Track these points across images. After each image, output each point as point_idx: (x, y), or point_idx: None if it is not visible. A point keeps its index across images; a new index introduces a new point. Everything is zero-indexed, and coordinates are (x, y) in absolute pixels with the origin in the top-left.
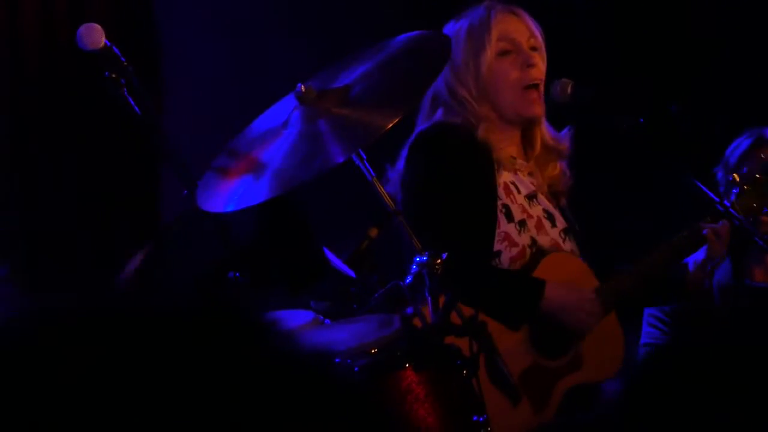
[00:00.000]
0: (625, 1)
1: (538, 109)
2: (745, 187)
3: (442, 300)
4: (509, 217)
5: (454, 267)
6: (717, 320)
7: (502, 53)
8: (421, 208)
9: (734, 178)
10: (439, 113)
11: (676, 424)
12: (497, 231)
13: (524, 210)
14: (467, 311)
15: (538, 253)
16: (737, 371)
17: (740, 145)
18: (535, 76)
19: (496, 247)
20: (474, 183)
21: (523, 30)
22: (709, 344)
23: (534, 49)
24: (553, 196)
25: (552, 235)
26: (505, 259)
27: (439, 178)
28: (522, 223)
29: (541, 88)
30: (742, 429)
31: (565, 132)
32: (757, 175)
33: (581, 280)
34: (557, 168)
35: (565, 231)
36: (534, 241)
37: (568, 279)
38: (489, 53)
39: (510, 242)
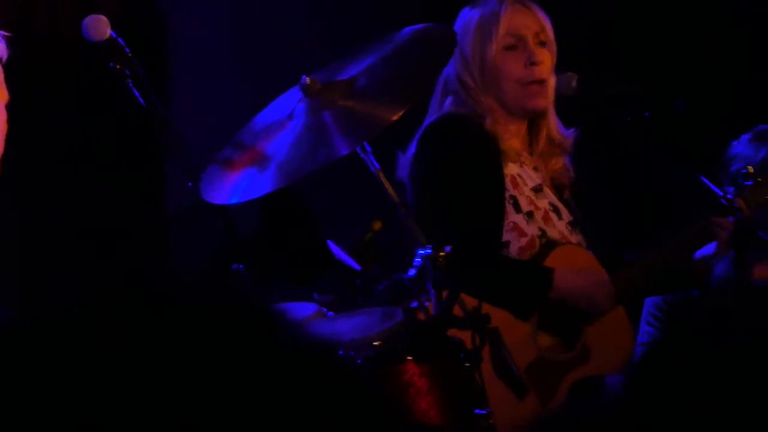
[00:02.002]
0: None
1: (541, 101)
2: (759, 179)
3: (445, 293)
4: (517, 208)
5: (464, 257)
6: (714, 316)
7: (508, 48)
8: (430, 199)
9: (748, 170)
10: (449, 102)
11: (676, 421)
12: (506, 221)
13: (531, 202)
14: (470, 303)
15: (547, 244)
16: (733, 368)
17: (743, 155)
18: (537, 74)
19: (505, 237)
20: (482, 174)
21: (532, 24)
22: (704, 341)
23: (542, 44)
24: (557, 189)
25: (559, 227)
26: (514, 249)
27: (448, 169)
28: (530, 214)
29: (547, 82)
30: (738, 426)
31: (571, 131)
32: None
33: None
34: (560, 162)
35: (572, 224)
36: (543, 232)
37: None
38: (494, 46)
39: (519, 232)
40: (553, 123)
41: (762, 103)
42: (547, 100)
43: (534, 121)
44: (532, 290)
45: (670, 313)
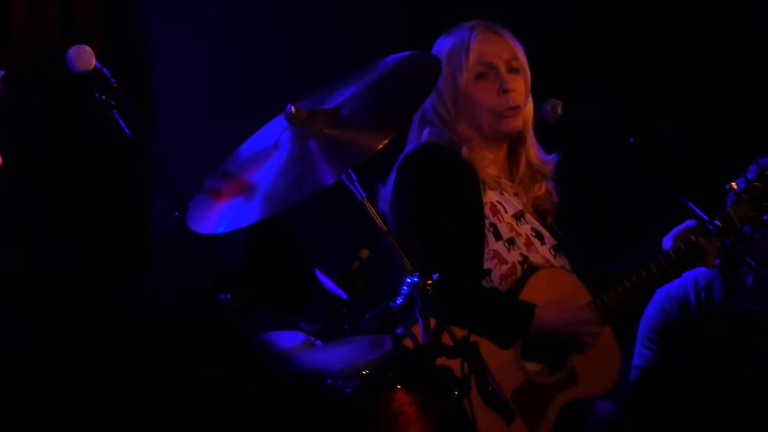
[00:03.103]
0: (616, 21)
1: (516, 123)
2: (743, 195)
3: (432, 321)
4: (497, 235)
5: (444, 288)
6: (707, 341)
7: (479, 76)
8: (409, 229)
9: (731, 186)
10: (426, 132)
11: None
12: (486, 249)
13: (512, 228)
14: (459, 332)
15: (529, 269)
16: (726, 393)
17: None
18: (510, 101)
19: (486, 265)
20: (460, 203)
21: (503, 51)
22: (698, 366)
23: (514, 70)
24: (540, 214)
25: (542, 252)
26: (495, 277)
27: (426, 199)
28: (511, 241)
29: (521, 108)
30: None
31: (553, 157)
32: (756, 183)
33: (573, 295)
34: (542, 188)
35: (555, 248)
36: (525, 258)
37: (560, 294)
38: (466, 76)
39: (500, 260)
40: (532, 148)
41: (759, 121)
42: (521, 122)
43: (513, 147)
44: (512, 326)
45: (666, 336)
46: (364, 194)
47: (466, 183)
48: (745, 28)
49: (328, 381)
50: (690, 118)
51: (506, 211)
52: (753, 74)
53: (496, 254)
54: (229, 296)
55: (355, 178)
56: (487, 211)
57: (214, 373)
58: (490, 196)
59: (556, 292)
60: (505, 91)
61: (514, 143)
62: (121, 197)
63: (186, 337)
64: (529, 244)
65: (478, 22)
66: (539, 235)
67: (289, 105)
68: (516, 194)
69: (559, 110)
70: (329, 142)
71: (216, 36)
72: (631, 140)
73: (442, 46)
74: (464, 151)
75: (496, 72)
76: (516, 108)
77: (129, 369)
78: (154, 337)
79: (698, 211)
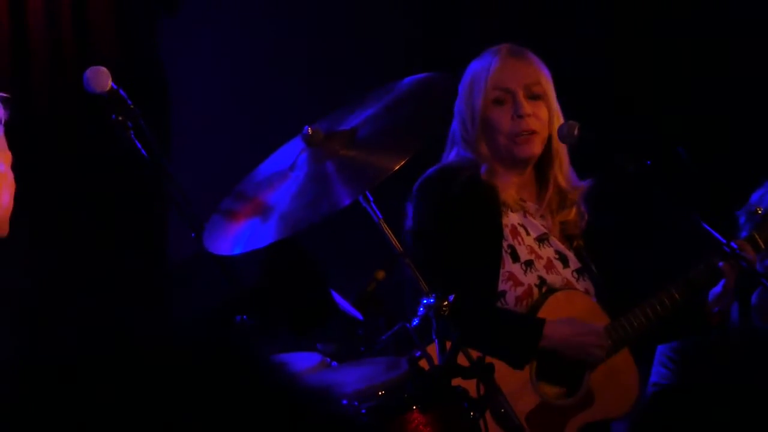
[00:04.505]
0: (634, 42)
1: (530, 149)
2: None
3: (448, 342)
4: (515, 257)
5: (458, 309)
6: (726, 361)
7: (496, 101)
8: (423, 251)
9: (756, 210)
10: (453, 154)
11: None
12: (501, 271)
13: (532, 251)
14: (475, 353)
15: (547, 291)
16: (743, 412)
17: (765, 195)
18: (524, 126)
19: (501, 287)
20: (475, 225)
21: (523, 77)
22: (716, 385)
23: (535, 96)
24: (567, 238)
25: (564, 274)
26: (510, 299)
27: (440, 221)
28: (529, 263)
29: (539, 134)
30: None
31: (586, 182)
32: None
33: (589, 318)
34: (572, 213)
35: (579, 271)
36: (543, 280)
37: (576, 316)
38: (483, 101)
39: (515, 282)
40: (562, 173)
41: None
42: (538, 148)
43: (542, 170)
44: (522, 341)
45: (685, 353)
46: (380, 215)
47: (483, 205)
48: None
49: (344, 402)
50: (705, 141)
51: (528, 234)
52: None
53: (512, 276)
54: (245, 317)
55: (372, 199)
56: (507, 233)
57: (227, 395)
58: (512, 218)
59: (572, 314)
60: (519, 116)
61: (543, 166)
62: (137, 218)
63: (200, 358)
64: (550, 266)
65: (504, 46)
66: (563, 258)
67: (306, 126)
68: (542, 216)
69: (576, 132)
70: (345, 164)
71: (233, 56)
72: (648, 162)
73: (470, 69)
74: (485, 173)
75: (513, 97)
76: (531, 133)
77: (140, 388)
78: (167, 358)
79: (714, 233)
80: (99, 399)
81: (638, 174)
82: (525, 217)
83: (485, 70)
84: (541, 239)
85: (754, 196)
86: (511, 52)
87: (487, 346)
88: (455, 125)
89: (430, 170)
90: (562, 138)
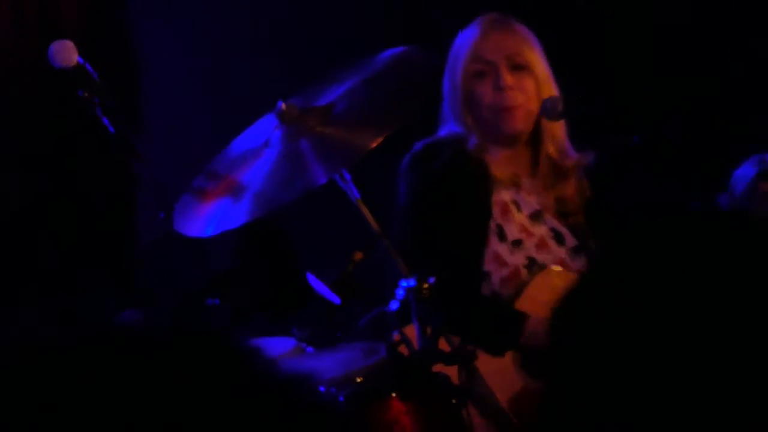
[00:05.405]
0: (623, 18)
1: (515, 122)
2: None
3: (429, 326)
4: (501, 236)
5: (440, 292)
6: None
7: (477, 74)
8: (404, 230)
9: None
10: (444, 129)
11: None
12: (487, 251)
13: (524, 229)
14: (457, 338)
15: (535, 271)
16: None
17: (745, 175)
18: (508, 100)
19: (486, 267)
20: (459, 202)
21: (505, 48)
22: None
23: (518, 67)
24: (563, 215)
25: (557, 253)
26: (495, 281)
27: (422, 199)
28: (517, 243)
29: (522, 107)
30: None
31: (584, 154)
32: None
33: None
34: (567, 186)
35: (575, 249)
36: (532, 261)
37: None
38: (464, 73)
39: (500, 263)
40: (552, 145)
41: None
42: (522, 122)
43: (535, 144)
44: (502, 337)
45: None
46: (358, 194)
47: (469, 181)
48: (749, 27)
49: (321, 389)
50: (693, 115)
51: (520, 211)
52: (757, 71)
53: (497, 256)
54: (217, 301)
55: (349, 177)
56: (495, 211)
57: (200, 381)
58: (503, 195)
59: (558, 294)
60: (500, 89)
61: (535, 140)
62: (106, 197)
63: (171, 343)
64: (542, 245)
65: (487, 16)
66: (558, 236)
67: (279, 102)
68: (537, 192)
69: (560, 106)
70: (322, 141)
71: (205, 31)
72: (636, 138)
73: (456, 41)
74: (474, 147)
75: (494, 69)
76: (513, 107)
77: (109, 375)
78: (136, 343)
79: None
80: (68, 387)
81: (625, 150)
82: (518, 193)
83: (465, 42)
84: (535, 216)
85: (733, 179)
86: (494, 21)
87: (467, 335)
88: (444, 100)
89: (416, 146)
90: (545, 113)
